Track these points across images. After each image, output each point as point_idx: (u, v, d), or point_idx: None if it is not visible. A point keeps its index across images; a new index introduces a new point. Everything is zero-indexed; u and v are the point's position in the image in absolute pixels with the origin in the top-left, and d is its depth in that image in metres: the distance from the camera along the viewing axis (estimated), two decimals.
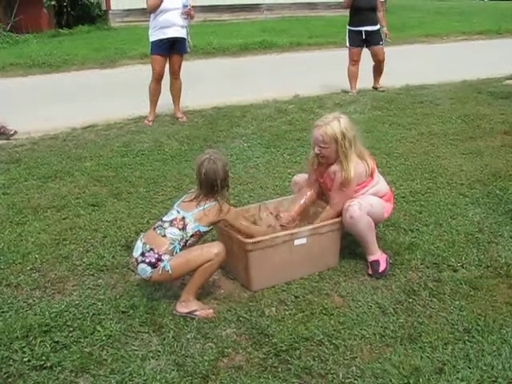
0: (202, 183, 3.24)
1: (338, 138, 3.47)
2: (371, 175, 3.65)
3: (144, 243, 3.18)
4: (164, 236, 3.17)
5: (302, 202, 3.86)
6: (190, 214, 3.21)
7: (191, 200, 3.28)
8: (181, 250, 3.17)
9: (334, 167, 3.58)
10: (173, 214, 3.26)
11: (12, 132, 6.83)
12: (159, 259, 3.12)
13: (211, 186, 3.22)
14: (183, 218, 3.20)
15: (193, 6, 7.04)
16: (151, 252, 3.14)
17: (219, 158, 3.28)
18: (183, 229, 3.18)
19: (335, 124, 3.48)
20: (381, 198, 3.70)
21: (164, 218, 3.28)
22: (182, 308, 3.18)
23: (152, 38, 6.99)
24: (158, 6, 6.76)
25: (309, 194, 3.87)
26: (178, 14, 6.83)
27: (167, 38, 6.87)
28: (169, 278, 3.18)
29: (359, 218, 3.50)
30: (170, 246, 3.15)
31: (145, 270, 3.15)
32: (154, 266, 3.13)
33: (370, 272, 3.58)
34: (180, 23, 6.92)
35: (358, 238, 3.66)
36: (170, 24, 6.83)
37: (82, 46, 14.13)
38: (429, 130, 6.62)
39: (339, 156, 3.52)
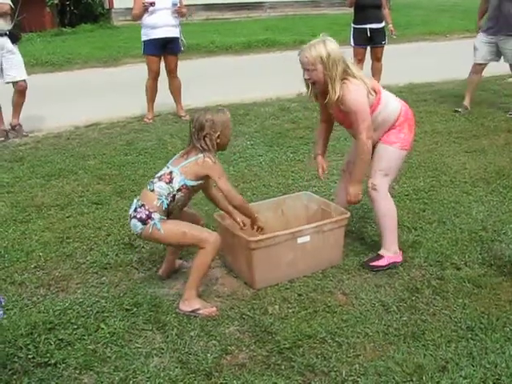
0: (191, 135, 3.24)
1: (324, 57, 3.35)
2: (377, 94, 3.50)
3: (138, 199, 3.22)
4: (152, 191, 3.18)
5: (321, 141, 3.90)
6: (177, 167, 3.21)
7: (181, 156, 3.28)
8: (168, 205, 3.16)
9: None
10: (163, 170, 3.28)
11: (24, 133, 6.87)
12: (149, 216, 3.12)
13: (198, 137, 3.19)
14: (170, 173, 3.20)
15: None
16: (142, 208, 3.15)
17: (214, 113, 3.25)
18: (170, 182, 3.17)
19: (320, 45, 3.40)
20: (393, 126, 3.56)
21: (156, 175, 3.30)
22: (184, 306, 3.19)
23: (144, 38, 7.02)
24: (142, 15, 6.83)
25: (324, 129, 3.88)
26: (169, 14, 6.83)
27: (159, 38, 6.87)
28: (159, 238, 3.19)
29: (379, 203, 3.60)
30: (158, 202, 3.14)
31: (136, 225, 3.17)
32: (144, 222, 3.13)
33: (370, 263, 3.63)
34: (171, 23, 6.93)
35: (377, 221, 3.73)
36: (161, 24, 6.83)
37: (85, 44, 14.14)
38: (432, 128, 6.61)
39: (326, 80, 3.41)
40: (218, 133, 3.21)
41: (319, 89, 3.50)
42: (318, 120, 3.94)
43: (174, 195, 3.18)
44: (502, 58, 7.18)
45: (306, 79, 3.51)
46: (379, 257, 3.64)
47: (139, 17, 6.94)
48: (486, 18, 7.24)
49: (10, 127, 6.89)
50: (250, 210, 3.46)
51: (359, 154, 3.50)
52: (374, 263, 3.61)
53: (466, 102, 7.38)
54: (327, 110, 3.70)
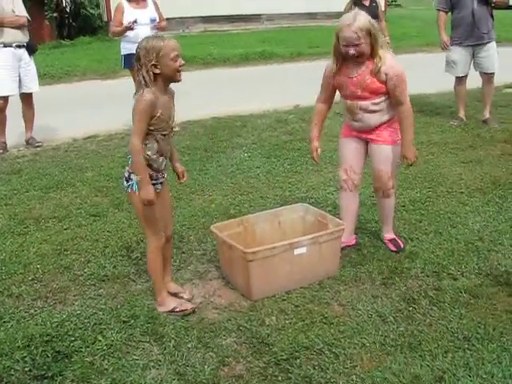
0: None
1: (371, 28, 3.54)
2: None
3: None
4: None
5: (320, 123, 4.02)
6: None
7: None
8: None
9: (375, 66, 3.60)
10: None
11: (38, 144, 6.95)
12: (129, 177, 3.13)
13: (137, 69, 3.03)
14: None
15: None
16: (127, 167, 3.18)
17: (149, 40, 3.02)
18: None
19: (362, 18, 3.55)
20: (389, 121, 3.83)
21: None
22: (162, 308, 3.29)
23: (123, 52, 7.06)
24: (123, 33, 6.89)
25: (325, 110, 4.00)
26: (148, 29, 6.79)
27: None
28: (133, 202, 3.18)
29: (392, 198, 3.98)
30: (130, 160, 3.13)
31: (123, 183, 3.21)
32: (127, 181, 3.16)
33: (394, 249, 3.94)
34: None
35: (386, 213, 4.02)
36: (139, 39, 6.86)
37: (84, 57, 14.20)
38: (428, 138, 6.64)
39: (374, 49, 3.57)
40: (154, 62, 2.94)
41: (361, 61, 3.61)
42: (317, 100, 3.99)
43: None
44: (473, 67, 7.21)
45: (351, 54, 3.55)
46: (394, 240, 4.02)
47: (119, 35, 7.00)
48: (453, 29, 7.20)
49: (24, 143, 6.99)
50: (138, 163, 3.05)
51: (407, 118, 3.74)
52: (402, 245, 3.99)
53: (461, 114, 7.41)
54: (330, 89, 3.86)
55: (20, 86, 6.75)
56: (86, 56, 14.28)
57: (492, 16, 6.99)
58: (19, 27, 6.57)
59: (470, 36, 6.98)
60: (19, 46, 6.60)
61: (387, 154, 3.83)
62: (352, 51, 3.53)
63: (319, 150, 3.98)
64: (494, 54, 7.03)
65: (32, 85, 6.85)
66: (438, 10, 7.39)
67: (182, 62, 3.03)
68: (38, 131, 7.36)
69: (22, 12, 6.61)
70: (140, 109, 2.98)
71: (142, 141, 3.03)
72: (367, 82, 3.67)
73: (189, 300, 3.38)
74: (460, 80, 7.35)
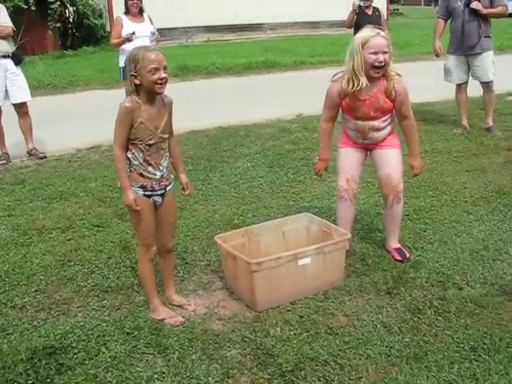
0: None
1: (390, 42, 3.65)
2: None
3: None
4: None
5: (329, 142, 4.06)
6: None
7: None
8: (130, 169, 3.10)
9: (389, 84, 3.69)
10: None
11: (41, 154, 6.95)
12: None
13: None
14: None
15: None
16: None
17: (134, 49, 3.04)
18: None
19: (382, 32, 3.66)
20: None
21: None
22: (153, 315, 3.33)
23: (122, 64, 7.04)
24: (122, 44, 7.00)
25: (330, 128, 4.02)
26: (148, 42, 6.88)
27: None
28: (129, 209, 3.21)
29: (402, 203, 3.98)
30: None
31: None
32: None
33: (399, 258, 3.92)
34: None
35: (394, 220, 4.00)
36: None
37: (87, 67, 14.26)
38: (432, 147, 6.63)
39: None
40: (133, 72, 2.95)
41: (382, 73, 3.65)
42: (323, 119, 3.99)
43: (128, 157, 3.09)
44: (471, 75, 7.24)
45: (379, 63, 3.57)
46: (400, 249, 3.99)
47: (118, 46, 7.14)
48: (449, 38, 7.26)
49: (27, 155, 6.98)
50: (117, 169, 3.11)
51: (413, 133, 3.89)
52: (408, 255, 3.95)
53: (464, 122, 7.42)
54: (336, 108, 3.88)
55: (7, 97, 6.74)
56: (89, 66, 14.35)
57: (487, 26, 6.96)
58: (4, 37, 6.57)
59: (461, 46, 7.04)
60: (4, 57, 6.60)
61: (395, 157, 3.90)
62: (381, 58, 3.55)
63: (327, 168, 4.11)
64: (487, 64, 7.02)
65: (20, 95, 6.78)
66: (438, 17, 7.50)
67: (163, 75, 2.96)
68: (40, 141, 7.38)
69: (6, 22, 6.61)
70: (118, 116, 3.02)
71: (122, 148, 3.04)
72: (381, 102, 3.73)
73: (185, 317, 3.33)
74: (459, 88, 7.39)
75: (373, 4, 8.19)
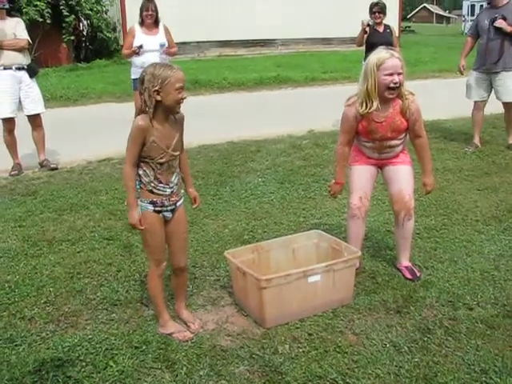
0: None
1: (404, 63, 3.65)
2: None
3: None
4: None
5: (345, 166, 4.02)
6: None
7: None
8: (141, 186, 3.10)
9: (403, 104, 3.72)
10: None
11: (53, 166, 6.99)
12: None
13: (141, 92, 2.99)
14: None
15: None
16: None
17: (158, 66, 2.98)
18: None
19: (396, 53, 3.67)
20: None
21: None
22: (162, 329, 3.33)
23: (133, 76, 7.18)
24: (132, 55, 7.09)
25: (347, 153, 3.97)
26: (157, 55, 6.93)
27: None
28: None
29: (413, 220, 3.98)
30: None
31: None
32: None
33: (410, 277, 3.90)
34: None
35: (405, 238, 3.99)
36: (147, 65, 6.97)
37: (100, 79, 14.37)
38: (443, 165, 6.61)
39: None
40: (157, 88, 2.91)
41: (396, 94, 3.67)
42: (340, 144, 3.92)
43: (138, 173, 3.10)
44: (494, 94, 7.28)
45: (394, 84, 3.60)
46: (410, 267, 3.99)
47: (128, 57, 7.25)
48: (475, 55, 7.35)
49: (39, 166, 7.03)
50: (125, 187, 3.12)
51: (426, 150, 3.93)
52: (418, 274, 3.95)
53: (476, 140, 7.42)
54: (353, 132, 3.85)
55: (21, 109, 6.81)
56: (101, 79, 14.46)
57: (510, 45, 6.98)
58: (20, 50, 6.66)
59: (484, 62, 7.12)
60: (19, 69, 6.68)
61: (407, 174, 3.93)
62: (396, 79, 3.58)
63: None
64: (509, 83, 7.03)
65: (34, 106, 6.85)
66: (467, 35, 7.65)
67: (185, 95, 3.00)
68: (52, 153, 7.43)
69: (22, 35, 6.70)
70: (130, 134, 3.00)
71: (133, 165, 3.04)
72: (397, 123, 3.75)
73: (193, 332, 3.33)
74: (477, 105, 7.41)
75: (384, 21, 8.23)
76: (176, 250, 3.32)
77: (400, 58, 3.63)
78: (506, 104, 7.27)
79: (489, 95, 7.33)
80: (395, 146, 3.86)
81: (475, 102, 7.41)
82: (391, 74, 3.57)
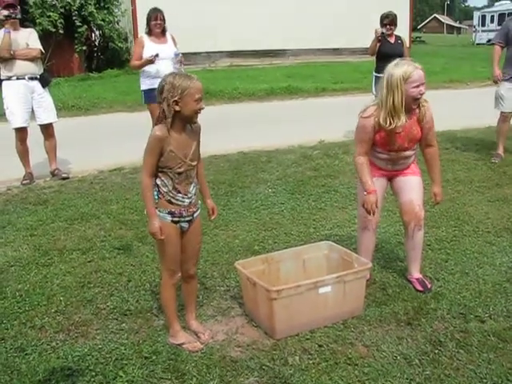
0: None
1: None
2: None
3: None
4: None
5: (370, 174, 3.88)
6: None
7: None
8: (159, 196, 3.10)
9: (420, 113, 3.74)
10: None
11: (65, 175, 7.02)
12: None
13: (159, 101, 3.00)
14: None
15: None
16: None
17: (177, 76, 2.98)
18: None
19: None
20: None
21: None
22: (172, 340, 3.31)
23: (143, 87, 7.05)
24: (143, 66, 6.88)
25: (368, 161, 3.90)
26: (170, 64, 6.78)
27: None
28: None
29: (423, 231, 3.98)
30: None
31: None
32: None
33: (421, 288, 3.88)
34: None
35: (416, 249, 3.97)
36: (161, 74, 6.88)
37: (111, 89, 14.45)
38: (454, 176, 6.59)
39: None
40: (176, 98, 2.93)
41: (418, 104, 3.70)
42: (359, 154, 3.85)
43: (156, 183, 3.11)
44: None
45: (420, 94, 3.63)
46: (421, 279, 3.96)
47: (139, 68, 7.00)
48: (505, 65, 7.27)
49: (50, 175, 7.07)
50: (144, 197, 3.12)
51: (437, 160, 3.98)
52: (429, 286, 3.92)
53: (500, 151, 7.37)
54: (371, 142, 3.81)
55: (33, 118, 6.85)
56: (113, 89, 14.54)
57: None
58: (32, 59, 6.71)
59: None
60: (32, 78, 6.73)
61: (417, 184, 3.94)
62: (423, 90, 3.62)
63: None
64: None
65: (46, 116, 6.90)
66: (494, 43, 7.51)
67: (203, 106, 3.02)
68: (64, 162, 7.47)
69: (35, 45, 6.75)
70: (148, 144, 3.02)
71: (150, 176, 3.06)
72: (414, 133, 3.76)
73: (203, 343, 3.32)
74: (505, 117, 7.34)
75: (395, 32, 8.23)
76: (187, 258, 3.33)
77: (422, 67, 3.65)
78: None
79: None
80: (409, 156, 3.87)
81: (502, 112, 7.32)
82: (418, 86, 3.59)
